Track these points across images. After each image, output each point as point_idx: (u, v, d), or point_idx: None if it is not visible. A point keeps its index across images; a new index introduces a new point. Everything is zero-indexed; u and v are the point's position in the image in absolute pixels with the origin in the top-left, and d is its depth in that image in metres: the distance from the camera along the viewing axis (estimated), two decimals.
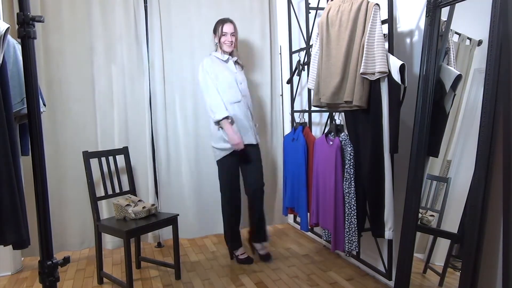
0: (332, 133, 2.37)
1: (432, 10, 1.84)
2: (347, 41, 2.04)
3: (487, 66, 1.55)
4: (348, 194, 2.21)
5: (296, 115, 3.13)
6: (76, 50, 2.93)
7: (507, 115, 1.50)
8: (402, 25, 2.15)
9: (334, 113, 2.59)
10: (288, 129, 3.49)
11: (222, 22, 2.70)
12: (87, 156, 2.51)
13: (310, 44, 2.85)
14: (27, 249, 2.30)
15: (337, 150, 2.24)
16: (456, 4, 1.76)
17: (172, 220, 2.51)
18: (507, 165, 1.49)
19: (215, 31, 2.73)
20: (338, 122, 2.37)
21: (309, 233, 3.31)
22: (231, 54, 2.76)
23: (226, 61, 2.72)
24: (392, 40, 2.07)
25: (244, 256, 2.78)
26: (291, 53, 3.25)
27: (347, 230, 2.21)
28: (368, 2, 1.97)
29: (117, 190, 2.67)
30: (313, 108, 2.89)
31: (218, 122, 2.59)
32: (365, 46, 1.94)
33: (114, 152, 2.70)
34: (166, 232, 3.18)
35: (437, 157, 1.88)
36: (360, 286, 2.35)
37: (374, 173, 2.05)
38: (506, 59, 1.50)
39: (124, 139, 3.05)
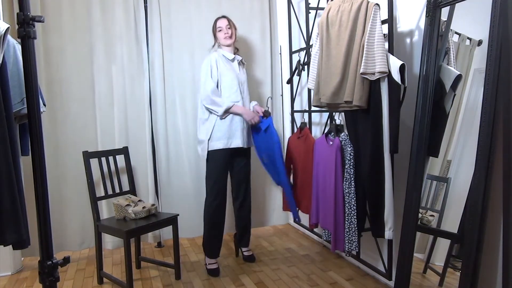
0: (332, 133, 2.37)
1: (432, 10, 1.84)
2: (347, 41, 2.04)
3: (487, 66, 1.55)
4: (348, 194, 2.21)
5: (299, 114, 3.13)
6: (76, 50, 2.93)
7: (507, 115, 1.50)
8: (402, 25, 2.15)
9: (334, 113, 2.59)
10: (288, 129, 3.49)
11: (216, 19, 2.71)
12: (87, 156, 2.51)
13: (310, 44, 2.85)
14: (27, 249, 2.30)
15: (337, 150, 2.24)
16: (456, 4, 1.76)
17: (172, 220, 2.51)
18: (507, 165, 1.49)
19: (212, 31, 2.73)
20: (338, 122, 2.37)
21: (309, 233, 3.31)
22: (235, 53, 2.72)
23: (232, 60, 2.68)
24: (392, 40, 2.07)
25: (212, 267, 2.62)
26: (291, 53, 3.25)
27: (347, 230, 2.21)
28: (368, 2, 1.97)
29: (117, 190, 2.67)
30: (313, 108, 2.89)
31: (225, 112, 2.54)
32: (365, 46, 1.94)
33: (114, 152, 2.70)
34: (166, 232, 3.18)
35: (437, 157, 1.88)
36: (360, 286, 2.35)
37: (374, 173, 2.05)
38: (506, 59, 1.50)
39: (124, 139, 3.05)
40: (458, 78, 1.79)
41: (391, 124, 1.97)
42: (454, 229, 1.76)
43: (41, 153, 1.24)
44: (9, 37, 1.69)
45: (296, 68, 3.06)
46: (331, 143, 2.33)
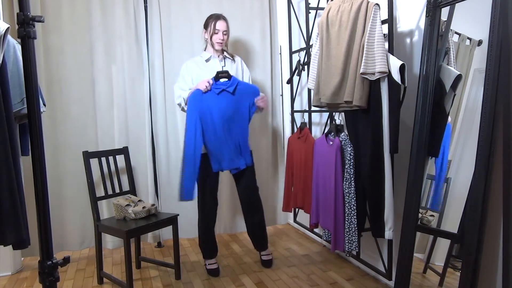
0: (332, 133, 2.37)
1: (432, 10, 1.84)
2: (347, 41, 2.04)
3: (487, 66, 1.55)
4: (348, 194, 2.21)
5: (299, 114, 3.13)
6: (76, 50, 2.93)
7: (507, 115, 1.50)
8: (402, 25, 2.15)
9: (334, 113, 2.59)
10: (288, 129, 3.49)
11: (215, 18, 2.52)
12: (87, 156, 2.51)
13: (310, 44, 2.85)
14: (27, 249, 2.30)
15: (337, 150, 2.24)
16: (456, 4, 1.76)
17: (172, 220, 2.51)
18: (507, 165, 1.49)
19: (206, 26, 2.56)
20: (338, 122, 2.37)
21: (309, 233, 3.31)
22: (224, 51, 2.61)
23: (207, 60, 2.57)
24: (392, 40, 2.07)
25: (212, 267, 2.61)
26: (291, 53, 3.25)
27: (347, 230, 2.21)
28: (368, 2, 1.97)
29: (117, 190, 2.67)
30: (313, 108, 2.89)
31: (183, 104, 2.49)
32: (365, 46, 1.94)
33: (114, 152, 2.70)
34: (166, 232, 3.18)
35: (437, 157, 1.88)
36: (360, 286, 2.35)
37: (374, 173, 2.05)
38: (506, 59, 1.50)
39: (124, 139, 3.05)
40: (458, 78, 1.79)
41: (391, 124, 1.97)
42: (454, 229, 1.76)
43: (41, 153, 1.25)
44: (9, 37, 1.69)
45: (296, 68, 3.06)
46: (331, 143, 2.33)
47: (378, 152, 2.02)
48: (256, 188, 2.65)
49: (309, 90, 2.98)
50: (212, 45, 2.56)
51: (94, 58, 2.98)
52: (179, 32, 3.16)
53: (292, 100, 3.27)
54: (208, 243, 2.64)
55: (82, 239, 3.03)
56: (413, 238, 1.90)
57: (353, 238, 2.19)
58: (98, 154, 2.61)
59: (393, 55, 2.01)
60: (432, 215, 1.89)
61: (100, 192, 2.67)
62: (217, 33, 2.52)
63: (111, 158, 2.66)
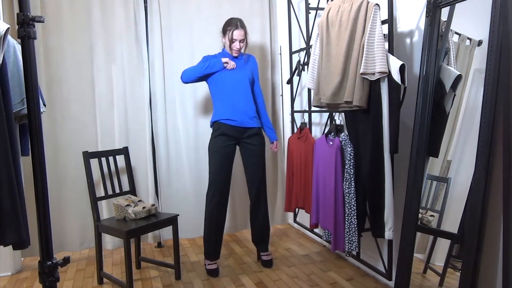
0: (332, 133, 2.37)
1: (432, 10, 1.84)
2: (347, 41, 2.04)
3: (487, 66, 1.56)
4: (348, 194, 2.21)
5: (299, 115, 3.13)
6: (76, 50, 2.93)
7: (507, 115, 1.50)
8: (402, 25, 2.15)
9: (334, 113, 2.59)
10: (288, 129, 3.49)
11: (234, 26, 2.54)
12: (87, 156, 2.51)
13: (310, 44, 2.85)
14: (27, 249, 2.31)
15: (337, 150, 2.24)
16: (456, 4, 1.76)
17: (172, 220, 2.51)
18: (507, 165, 1.49)
19: (224, 32, 2.60)
20: (338, 122, 2.37)
21: (309, 233, 3.31)
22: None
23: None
24: (392, 40, 2.07)
25: (212, 267, 2.61)
26: (291, 53, 3.25)
27: (347, 230, 2.21)
28: (368, 2, 1.97)
29: (117, 190, 2.67)
30: (313, 108, 2.89)
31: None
32: (365, 46, 1.94)
33: (114, 152, 2.70)
34: (166, 232, 3.19)
35: (437, 157, 1.88)
36: (360, 286, 2.35)
37: (374, 173, 2.05)
38: (506, 59, 1.50)
39: (124, 139, 3.05)
40: (458, 78, 1.79)
41: (391, 124, 1.97)
42: (454, 229, 1.76)
43: (41, 153, 1.25)
44: (9, 37, 1.69)
45: (296, 68, 3.06)
46: (331, 143, 2.33)
47: (378, 152, 2.02)
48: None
49: (309, 90, 2.98)
50: (230, 51, 2.63)
51: (94, 58, 2.98)
52: (179, 32, 3.16)
53: (292, 100, 3.27)
54: (211, 242, 2.62)
55: (82, 239, 3.03)
56: (413, 238, 1.90)
57: (353, 238, 2.19)
58: (98, 154, 2.61)
59: (393, 55, 2.01)
60: (432, 215, 1.89)
61: (100, 192, 2.67)
62: (234, 42, 2.57)
63: (111, 158, 2.66)
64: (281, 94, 3.51)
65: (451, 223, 1.79)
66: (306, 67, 2.92)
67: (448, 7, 1.80)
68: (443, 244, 1.84)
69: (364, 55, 1.94)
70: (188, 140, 3.21)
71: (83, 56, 2.95)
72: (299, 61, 3.03)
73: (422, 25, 2.00)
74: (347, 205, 2.21)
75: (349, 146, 2.22)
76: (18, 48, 1.84)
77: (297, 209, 3.39)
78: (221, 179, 2.56)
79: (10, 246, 1.66)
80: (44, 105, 2.18)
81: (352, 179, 2.20)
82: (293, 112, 3.29)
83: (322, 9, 2.70)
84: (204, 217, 2.62)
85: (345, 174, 2.23)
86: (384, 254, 2.29)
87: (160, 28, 3.10)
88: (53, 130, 2.90)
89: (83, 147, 2.89)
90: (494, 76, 1.53)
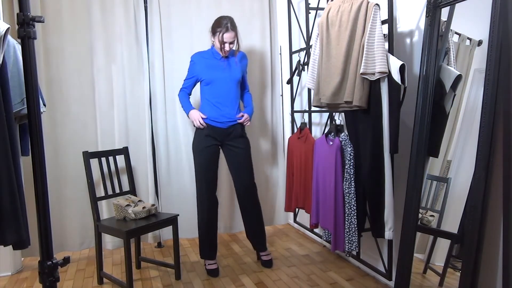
0: (332, 133, 2.37)
1: (432, 10, 1.84)
2: (347, 41, 2.04)
3: (487, 66, 1.55)
4: (348, 194, 2.21)
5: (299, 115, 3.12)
6: (76, 50, 2.93)
7: (507, 115, 1.50)
8: (402, 25, 2.15)
9: (334, 113, 2.59)
10: (288, 129, 3.49)
11: (224, 28, 2.49)
12: (87, 156, 2.51)
13: (310, 44, 2.85)
14: (27, 249, 2.30)
15: (337, 150, 2.24)
16: (456, 4, 1.76)
17: (172, 220, 2.51)
18: (507, 165, 1.49)
19: (214, 32, 2.55)
20: (338, 122, 2.37)
21: (309, 233, 3.31)
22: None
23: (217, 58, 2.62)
24: (392, 40, 2.07)
25: (212, 267, 2.61)
26: (291, 53, 3.25)
27: (347, 230, 2.21)
28: (368, 2, 1.97)
29: (117, 190, 2.67)
30: (313, 108, 2.89)
31: None
32: (365, 46, 1.94)
33: (114, 152, 2.70)
34: (166, 232, 3.18)
35: (437, 157, 1.88)
36: (360, 286, 2.35)
37: (374, 173, 2.05)
38: (506, 59, 1.50)
39: (124, 139, 3.05)
40: (458, 78, 1.79)
41: (391, 124, 1.97)
42: (454, 229, 1.76)
43: (41, 153, 1.25)
44: (9, 37, 1.69)
45: (296, 68, 3.06)
46: (331, 143, 2.33)
47: (378, 152, 2.02)
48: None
49: (309, 90, 2.98)
50: (220, 52, 2.60)
51: (94, 58, 2.98)
52: (179, 32, 3.16)
53: (292, 100, 3.27)
54: (205, 243, 2.64)
55: (82, 239, 3.03)
56: (413, 238, 1.90)
57: (353, 238, 2.19)
58: (98, 154, 2.61)
59: (393, 55, 2.01)
60: (432, 215, 1.89)
61: (100, 192, 2.67)
62: (224, 44, 2.55)
63: (111, 158, 2.66)
64: (281, 94, 3.51)
65: (451, 223, 1.79)
66: (306, 67, 2.92)
67: (448, 7, 1.80)
68: (443, 244, 1.84)
69: (364, 55, 1.94)
70: (188, 140, 3.20)
71: (83, 56, 2.95)
72: (299, 61, 3.03)
73: (422, 25, 2.00)
74: (347, 205, 2.21)
75: (349, 146, 2.22)
76: (18, 48, 1.84)
77: (297, 209, 3.39)
78: (206, 179, 2.58)
79: (10, 246, 1.66)
80: (44, 105, 2.18)
81: (352, 179, 2.20)
82: (293, 112, 3.29)
83: (322, 9, 2.70)
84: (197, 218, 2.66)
85: (345, 174, 2.23)
86: (384, 254, 2.29)
87: (160, 28, 3.10)
88: (53, 130, 2.90)
89: (83, 147, 2.89)
90: (494, 76, 1.53)
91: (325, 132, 2.46)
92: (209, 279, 2.54)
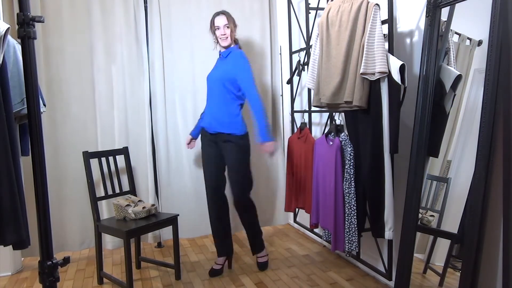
0: (332, 133, 2.37)
1: (432, 10, 1.84)
2: (347, 41, 2.04)
3: (487, 66, 1.55)
4: (348, 194, 2.21)
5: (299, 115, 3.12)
6: (76, 50, 2.93)
7: (507, 115, 1.50)
8: (402, 25, 2.15)
9: (334, 113, 2.59)
10: (288, 129, 3.49)
11: (214, 15, 2.54)
12: (87, 156, 2.51)
13: (310, 44, 2.85)
14: (27, 249, 2.30)
15: (337, 150, 2.24)
16: (456, 4, 1.76)
17: (172, 220, 2.51)
18: (507, 165, 1.49)
19: (210, 27, 2.58)
20: (338, 122, 2.37)
21: (309, 233, 3.31)
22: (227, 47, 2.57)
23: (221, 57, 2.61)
24: (392, 40, 2.07)
25: (215, 267, 2.61)
26: (291, 53, 3.25)
27: (347, 230, 2.21)
28: (368, 2, 1.97)
29: (117, 190, 2.67)
30: (313, 108, 2.89)
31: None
32: (365, 46, 1.94)
33: (114, 152, 2.70)
34: (166, 232, 3.18)
35: (437, 157, 1.88)
36: (360, 286, 2.35)
37: (374, 173, 2.05)
38: (506, 59, 1.50)
39: (124, 139, 3.05)
40: (458, 78, 1.79)
41: (391, 124, 1.97)
42: (454, 229, 1.76)
43: (41, 153, 1.24)
44: (9, 37, 1.69)
45: (296, 68, 3.06)
46: (331, 143, 2.33)
47: (378, 152, 2.02)
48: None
49: (309, 90, 2.98)
50: (220, 44, 2.57)
51: (94, 58, 2.98)
52: (179, 32, 3.16)
53: (292, 100, 3.27)
54: (215, 239, 2.67)
55: (82, 239, 3.03)
56: (413, 238, 1.90)
57: (353, 238, 2.19)
58: (98, 154, 2.61)
59: (393, 55, 2.01)
60: (432, 215, 1.89)
61: (100, 192, 2.67)
62: (218, 29, 2.52)
63: (111, 158, 2.66)
64: (281, 94, 3.51)
65: (451, 223, 1.79)
66: (306, 67, 2.92)
67: (448, 7, 1.80)
68: (443, 244, 1.84)
69: (364, 55, 1.94)
70: None
71: (83, 56, 2.95)
72: (299, 61, 3.03)
73: (422, 25, 2.00)
74: (347, 205, 2.21)
75: (349, 146, 2.22)
76: (18, 48, 1.84)
77: (297, 209, 3.39)
78: (211, 179, 2.60)
79: (10, 246, 1.66)
80: (44, 105, 2.18)
81: (352, 179, 2.20)
82: (293, 112, 3.29)
83: (322, 9, 2.70)
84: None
85: (345, 174, 2.23)
86: (384, 254, 2.29)
87: (160, 28, 3.10)
88: (53, 130, 2.90)
89: (83, 147, 2.89)
90: (494, 76, 1.53)
91: (325, 132, 2.46)
92: (209, 279, 2.54)
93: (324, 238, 2.41)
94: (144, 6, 3.06)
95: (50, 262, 1.25)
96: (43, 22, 1.24)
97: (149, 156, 3.12)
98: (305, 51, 2.99)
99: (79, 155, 2.61)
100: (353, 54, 2.03)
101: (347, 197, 2.21)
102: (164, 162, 3.17)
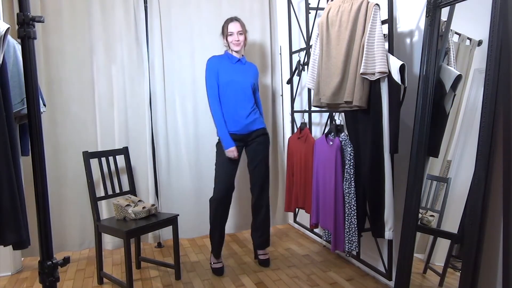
0: (332, 133, 2.37)
1: (432, 10, 1.84)
2: (347, 41, 2.04)
3: (487, 66, 1.55)
4: (348, 194, 2.21)
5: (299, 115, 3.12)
6: (76, 50, 2.93)
7: (507, 115, 1.50)
8: (402, 25, 2.15)
9: (334, 113, 2.59)
10: (288, 129, 3.49)
11: (227, 21, 2.60)
12: (87, 156, 2.51)
13: (310, 44, 2.85)
14: (27, 249, 2.30)
15: (337, 150, 2.24)
16: (456, 4, 1.76)
17: (172, 220, 2.51)
18: (507, 165, 1.49)
19: (223, 31, 2.63)
20: (338, 122, 2.37)
21: (309, 233, 3.31)
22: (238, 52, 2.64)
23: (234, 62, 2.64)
24: (392, 40, 2.07)
25: (217, 266, 2.64)
26: (291, 53, 3.25)
27: (347, 230, 2.21)
28: (368, 2, 1.97)
29: (117, 190, 2.67)
30: (313, 108, 2.89)
31: None
32: (365, 46, 1.94)
33: (114, 152, 2.70)
34: (166, 232, 3.18)
35: (437, 157, 1.88)
36: (360, 286, 2.35)
37: (374, 173, 2.05)
38: (506, 59, 1.50)
39: (124, 139, 3.05)
40: (458, 78, 1.79)
41: (391, 124, 1.97)
42: (454, 229, 1.76)
43: (41, 153, 1.24)
44: (9, 37, 1.69)
45: (296, 68, 3.06)
46: (331, 143, 2.33)
47: (378, 152, 2.02)
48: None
49: (309, 90, 2.98)
50: (231, 48, 2.61)
51: (94, 58, 2.98)
52: (179, 32, 3.16)
53: (292, 100, 3.27)
54: (212, 240, 2.67)
55: (82, 239, 3.03)
56: (413, 238, 1.90)
57: (353, 238, 2.19)
58: (98, 154, 2.61)
59: (393, 55, 2.01)
60: (432, 215, 1.89)
61: (100, 192, 2.67)
62: (231, 35, 2.58)
63: (111, 158, 2.66)
64: (281, 94, 3.51)
65: (451, 223, 1.79)
66: (306, 67, 2.92)
67: (448, 7, 1.80)
68: (443, 244, 1.84)
69: (364, 55, 1.94)
70: (188, 140, 3.21)
71: (83, 56, 2.95)
72: (299, 61, 3.03)
73: (422, 25, 2.00)
74: (347, 205, 2.21)
75: (349, 146, 2.22)
76: (18, 48, 1.84)
77: (297, 209, 3.39)
78: (224, 181, 2.58)
79: (10, 246, 1.66)
80: (44, 105, 2.18)
81: (352, 179, 2.20)
82: (293, 112, 3.29)
83: (322, 9, 2.70)
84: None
85: (345, 174, 2.23)
86: (384, 254, 2.29)
87: (160, 29, 3.10)
88: (53, 130, 2.90)
89: (83, 147, 2.89)
90: (494, 76, 1.53)
91: (325, 132, 2.46)
92: (209, 279, 2.54)
93: (324, 238, 2.41)
94: (144, 6, 3.06)
95: (50, 262, 1.25)
96: (43, 22, 1.24)
97: (149, 156, 3.12)
98: (305, 51, 2.99)
99: (79, 155, 2.61)
100: (353, 54, 2.03)
101: (347, 197, 2.21)
102: (164, 162, 3.17)
